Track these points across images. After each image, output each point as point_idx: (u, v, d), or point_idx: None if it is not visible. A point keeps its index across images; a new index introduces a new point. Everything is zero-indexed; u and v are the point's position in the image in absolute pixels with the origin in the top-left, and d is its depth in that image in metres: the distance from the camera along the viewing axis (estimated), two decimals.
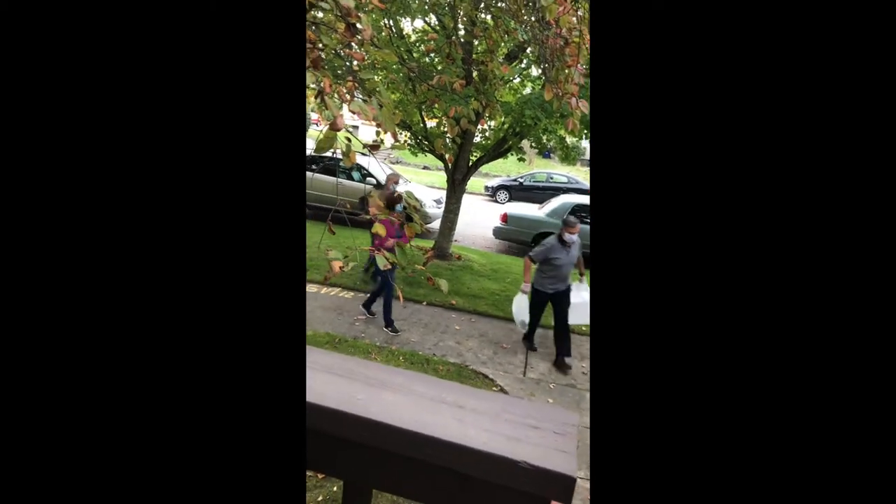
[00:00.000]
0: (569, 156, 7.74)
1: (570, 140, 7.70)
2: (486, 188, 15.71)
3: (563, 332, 4.60)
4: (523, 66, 6.30)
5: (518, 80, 6.94)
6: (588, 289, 4.79)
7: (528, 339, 4.91)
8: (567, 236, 4.44)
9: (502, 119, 6.74)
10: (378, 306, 5.15)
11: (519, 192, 14.90)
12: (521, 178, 15.78)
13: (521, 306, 4.74)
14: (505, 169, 18.29)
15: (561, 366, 4.53)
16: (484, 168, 10.68)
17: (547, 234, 9.18)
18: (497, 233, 9.13)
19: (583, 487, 2.99)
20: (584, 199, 9.56)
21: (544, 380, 4.22)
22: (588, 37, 2.02)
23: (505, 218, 9.03)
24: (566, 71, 2.15)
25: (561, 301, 4.60)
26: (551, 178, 15.72)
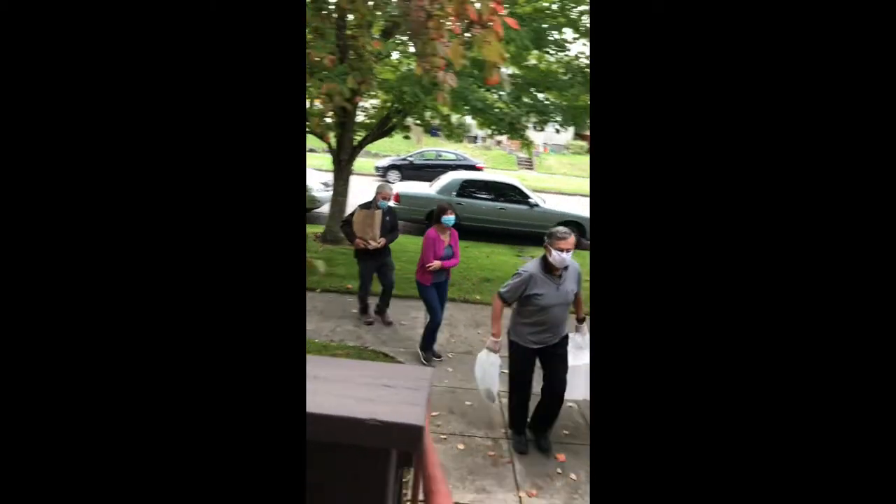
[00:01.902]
0: (453, 133, 7.88)
1: (454, 118, 7.85)
2: (377, 168, 15.54)
3: (551, 409, 3.01)
4: (397, 41, 6.24)
5: (397, 56, 6.87)
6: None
7: (517, 428, 3.10)
8: (555, 255, 2.76)
9: (385, 97, 6.66)
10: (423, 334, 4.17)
11: (410, 170, 14.94)
12: (411, 156, 15.83)
13: (486, 369, 3.02)
14: (394, 148, 18.18)
15: (545, 449, 3.01)
16: (372, 148, 10.50)
17: None
18: None
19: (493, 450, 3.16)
20: (472, 175, 9.84)
21: (443, 350, 4.34)
22: (450, 8, 2.04)
23: (397, 197, 9.02)
24: (431, 44, 2.17)
25: (551, 361, 2.97)
26: (440, 156, 15.98)
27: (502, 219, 8.78)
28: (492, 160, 20.44)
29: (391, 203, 4.65)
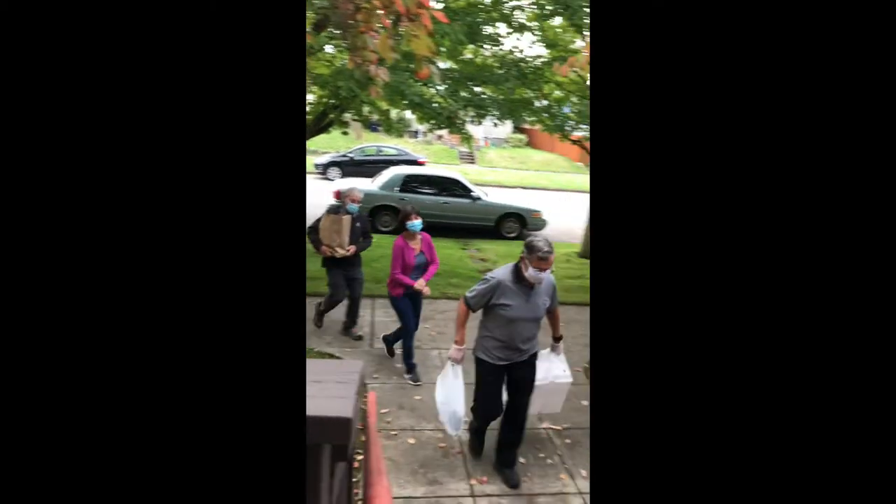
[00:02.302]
0: (392, 128, 7.83)
1: (393, 113, 7.79)
2: (317, 165, 15.18)
3: (512, 435, 2.75)
4: (331, 35, 6.11)
5: (331, 51, 6.72)
6: (564, 362, 2.92)
7: (476, 445, 2.89)
8: (532, 273, 2.45)
9: (320, 93, 6.50)
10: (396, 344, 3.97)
11: (350, 167, 14.71)
12: (351, 152, 15.59)
13: (449, 389, 2.66)
14: (333, 144, 17.81)
15: (515, 485, 2.71)
16: (311, 145, 10.22)
17: (383, 208, 9.33)
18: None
19: (423, 435, 3.19)
20: (415, 170, 9.83)
21: (388, 360, 4.33)
22: (377, 1, 2.03)
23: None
24: (361, 37, 2.15)
25: (516, 381, 2.69)
26: (381, 151, 15.85)
27: (446, 213, 8.84)
28: (434, 155, 20.49)
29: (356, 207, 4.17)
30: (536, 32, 7.04)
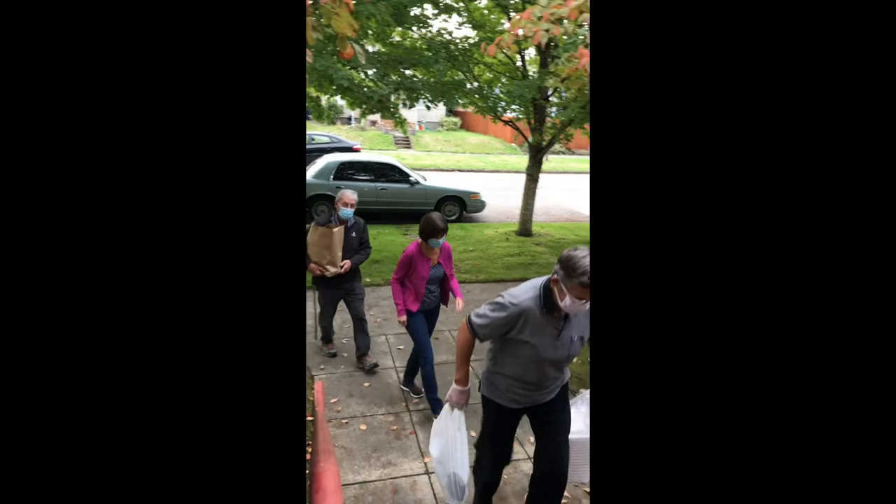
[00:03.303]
0: (323, 115, 7.61)
1: (323, 99, 7.56)
2: None
3: (549, 497, 1.96)
4: None
5: None
6: None
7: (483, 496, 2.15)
8: (568, 303, 1.67)
9: None
10: (418, 377, 3.34)
11: None
12: None
13: (446, 444, 1.99)
14: None
15: None
16: None
17: (320, 198, 9.03)
18: None
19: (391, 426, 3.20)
20: (350, 157, 9.63)
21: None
22: None
23: None
24: None
25: (545, 425, 1.96)
26: (314, 140, 15.34)
27: (384, 199, 8.76)
28: (368, 141, 20.13)
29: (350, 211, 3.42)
30: (463, 13, 7.04)
